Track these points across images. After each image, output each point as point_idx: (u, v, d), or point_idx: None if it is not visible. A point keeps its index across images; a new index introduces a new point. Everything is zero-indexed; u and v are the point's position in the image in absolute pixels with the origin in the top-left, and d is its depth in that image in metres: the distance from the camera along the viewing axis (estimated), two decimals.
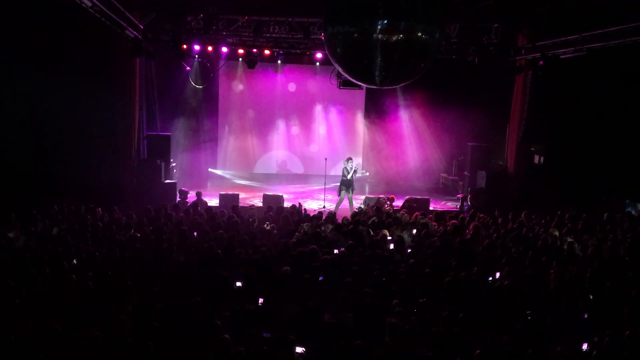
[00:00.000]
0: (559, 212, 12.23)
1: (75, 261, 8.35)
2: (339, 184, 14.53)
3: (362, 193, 17.65)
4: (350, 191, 14.33)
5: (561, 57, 13.05)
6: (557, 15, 12.46)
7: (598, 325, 6.71)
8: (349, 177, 14.16)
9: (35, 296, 6.93)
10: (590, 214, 11.96)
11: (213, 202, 14.19)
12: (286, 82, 18.90)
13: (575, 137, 14.48)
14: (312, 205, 15.39)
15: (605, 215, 12.19)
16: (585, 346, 6.24)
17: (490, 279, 8.45)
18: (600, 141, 13.96)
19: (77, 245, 8.88)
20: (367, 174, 19.56)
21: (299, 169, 19.51)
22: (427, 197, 15.80)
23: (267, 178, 18.98)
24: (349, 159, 14.52)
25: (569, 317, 7.00)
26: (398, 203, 14.36)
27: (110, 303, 6.82)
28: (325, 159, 15.95)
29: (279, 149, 19.45)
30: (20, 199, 11.27)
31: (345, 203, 14.38)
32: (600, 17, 11.50)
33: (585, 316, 7.11)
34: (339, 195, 14.45)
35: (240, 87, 18.75)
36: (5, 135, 12.19)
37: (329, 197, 15.64)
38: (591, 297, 7.51)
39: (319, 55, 15.44)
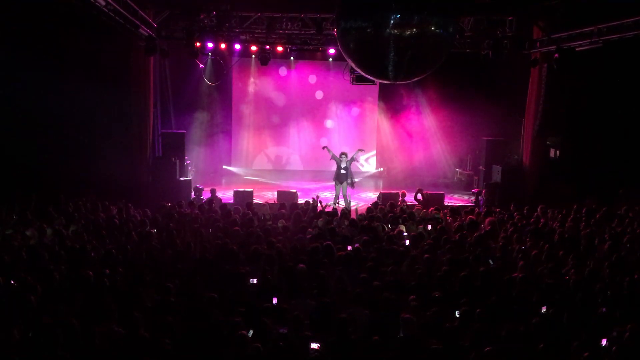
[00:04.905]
0: (576, 206, 12.10)
1: (92, 254, 8.42)
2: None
3: (377, 189, 17.62)
4: (344, 185, 14.69)
5: (577, 49, 12.87)
6: (573, 7, 12.31)
7: (617, 320, 6.62)
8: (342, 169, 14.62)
9: (53, 293, 6.99)
10: (608, 208, 11.82)
11: (228, 198, 14.22)
12: (299, 79, 18.88)
13: (591, 130, 14.31)
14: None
15: (623, 208, 12.03)
16: (604, 341, 6.16)
17: (507, 274, 8.37)
18: (617, 134, 13.79)
19: (93, 243, 8.95)
20: (382, 169, 19.53)
21: (313, 165, 19.47)
22: (441, 192, 15.72)
23: (281, 174, 18.99)
24: (342, 153, 14.88)
25: (588, 312, 6.91)
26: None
27: (127, 299, 6.86)
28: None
29: (293, 145, 19.45)
30: (36, 197, 11.37)
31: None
32: (617, 8, 11.33)
33: (604, 310, 7.01)
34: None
35: (253, 83, 18.78)
36: (22, 135, 12.30)
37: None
38: (609, 291, 7.41)
39: (331, 51, 15.39)
